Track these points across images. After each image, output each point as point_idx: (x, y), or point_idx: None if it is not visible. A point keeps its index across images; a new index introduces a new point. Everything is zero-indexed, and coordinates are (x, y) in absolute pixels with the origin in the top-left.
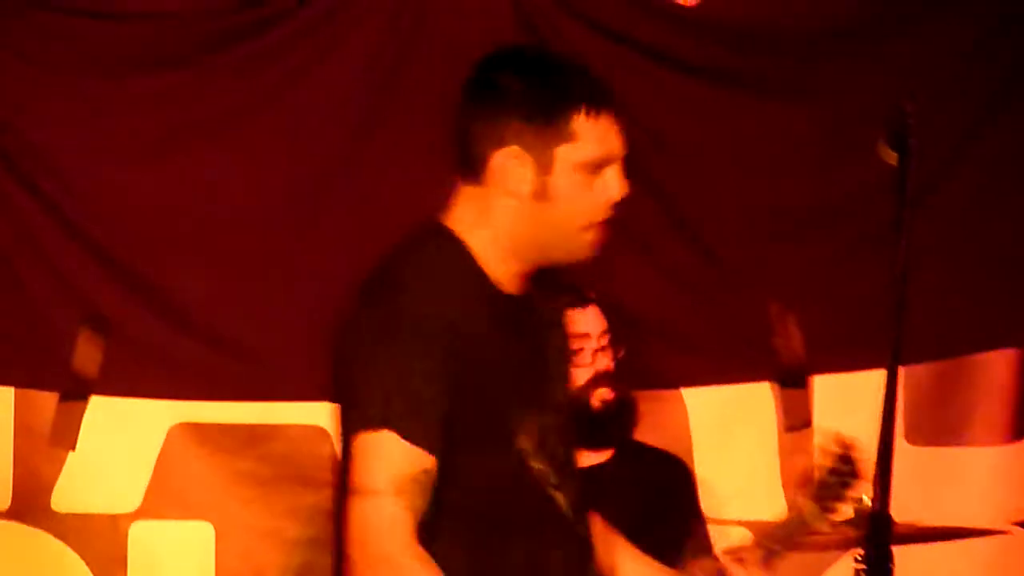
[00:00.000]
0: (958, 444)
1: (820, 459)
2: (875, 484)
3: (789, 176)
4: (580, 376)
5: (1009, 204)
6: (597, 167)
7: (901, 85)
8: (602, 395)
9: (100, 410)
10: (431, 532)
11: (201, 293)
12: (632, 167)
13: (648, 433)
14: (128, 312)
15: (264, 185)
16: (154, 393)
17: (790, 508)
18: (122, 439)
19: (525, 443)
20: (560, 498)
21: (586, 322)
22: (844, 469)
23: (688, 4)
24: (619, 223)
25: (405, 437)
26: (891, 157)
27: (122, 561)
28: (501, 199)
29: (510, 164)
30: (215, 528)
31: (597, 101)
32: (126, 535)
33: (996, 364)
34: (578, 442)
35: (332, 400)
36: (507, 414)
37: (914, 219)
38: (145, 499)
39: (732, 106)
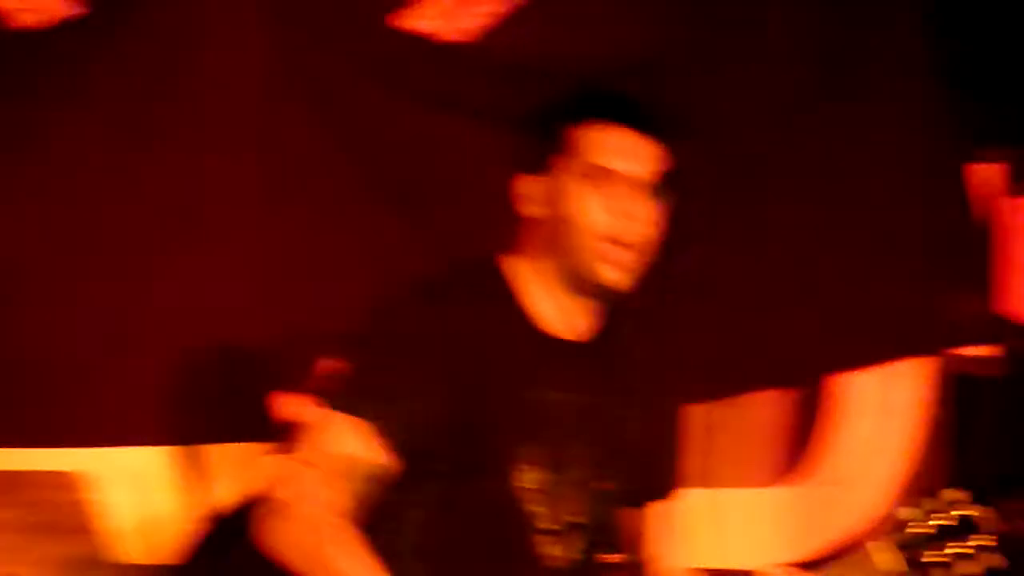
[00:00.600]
0: (724, 485)
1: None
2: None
3: None
4: None
5: (766, 248)
6: (604, 181)
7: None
8: None
9: None
10: (406, 548)
11: None
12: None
13: None
14: None
15: (11, 225)
16: None
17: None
18: None
19: (524, 482)
20: (554, 550)
21: None
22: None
23: (464, 39)
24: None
25: (358, 426)
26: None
27: None
28: (532, 226)
29: (526, 188)
30: None
31: (605, 115)
32: None
33: (759, 405)
34: None
35: None
36: (509, 448)
37: (678, 264)
38: None
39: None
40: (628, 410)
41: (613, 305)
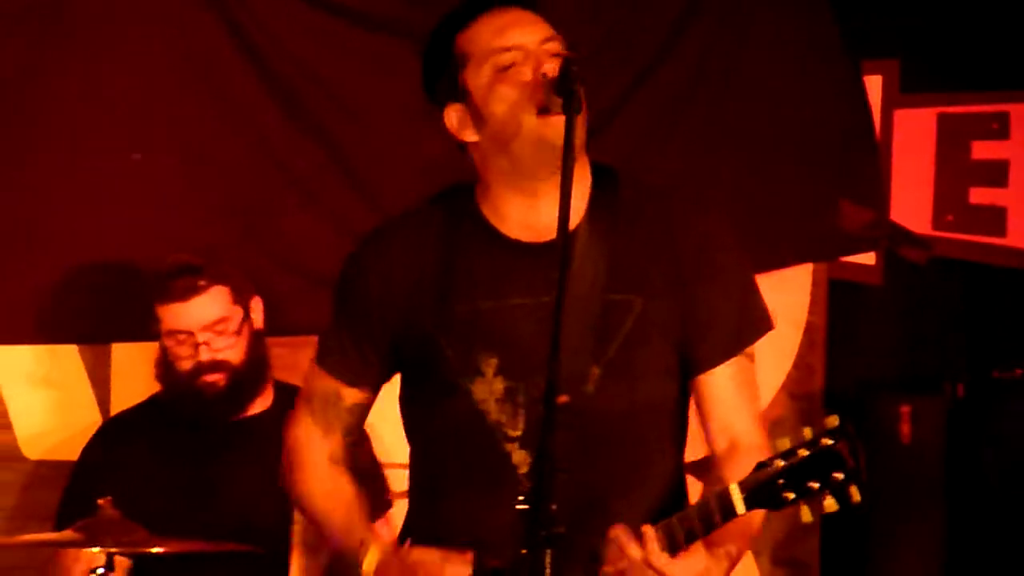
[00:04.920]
0: None
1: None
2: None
3: None
4: (184, 364)
5: (674, 134)
6: (509, 65)
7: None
8: (209, 381)
9: None
10: (412, 472)
11: None
12: (304, 120)
13: None
14: None
15: None
16: None
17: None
18: None
19: (482, 392)
20: (519, 455)
21: (188, 317)
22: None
23: None
24: (286, 169)
25: (320, 363)
26: (555, 105)
27: None
28: (474, 150)
29: (450, 120)
30: None
31: (472, 11)
32: None
33: None
34: (191, 416)
35: None
36: (461, 358)
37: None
38: None
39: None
40: (624, 301)
41: (602, 190)
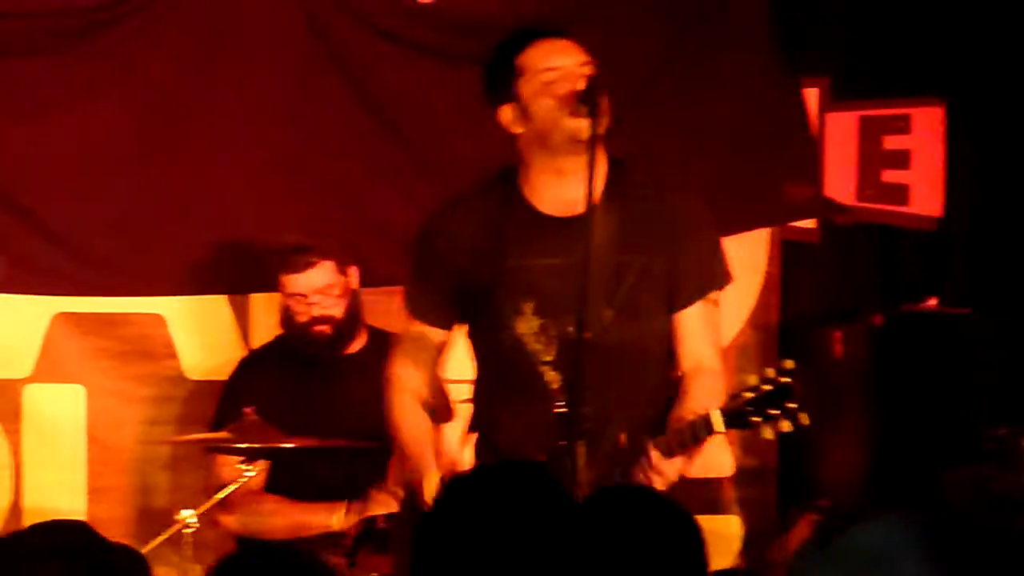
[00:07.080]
0: None
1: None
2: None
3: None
4: (301, 318)
5: (670, 134)
6: (552, 81)
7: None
8: (319, 330)
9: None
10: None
11: (73, 219)
12: (391, 127)
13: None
14: (14, 235)
15: (114, 140)
16: (41, 292)
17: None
18: (17, 324)
19: (522, 328)
20: (551, 375)
21: (304, 284)
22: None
23: (424, 1)
24: (372, 160)
25: (409, 312)
26: (582, 111)
27: (18, 413)
28: (520, 140)
29: (503, 117)
30: (87, 389)
31: (529, 38)
32: (20, 393)
33: None
34: (307, 354)
35: None
36: (506, 302)
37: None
38: (35, 368)
39: (463, 78)
40: (630, 260)
41: (615, 176)
